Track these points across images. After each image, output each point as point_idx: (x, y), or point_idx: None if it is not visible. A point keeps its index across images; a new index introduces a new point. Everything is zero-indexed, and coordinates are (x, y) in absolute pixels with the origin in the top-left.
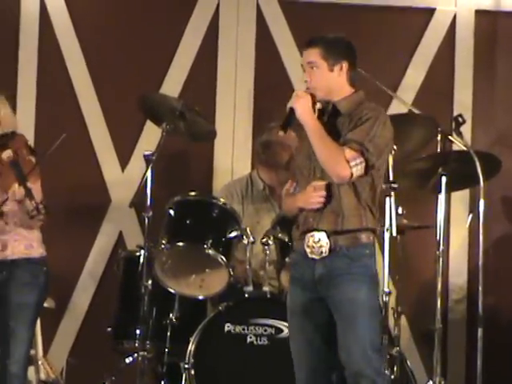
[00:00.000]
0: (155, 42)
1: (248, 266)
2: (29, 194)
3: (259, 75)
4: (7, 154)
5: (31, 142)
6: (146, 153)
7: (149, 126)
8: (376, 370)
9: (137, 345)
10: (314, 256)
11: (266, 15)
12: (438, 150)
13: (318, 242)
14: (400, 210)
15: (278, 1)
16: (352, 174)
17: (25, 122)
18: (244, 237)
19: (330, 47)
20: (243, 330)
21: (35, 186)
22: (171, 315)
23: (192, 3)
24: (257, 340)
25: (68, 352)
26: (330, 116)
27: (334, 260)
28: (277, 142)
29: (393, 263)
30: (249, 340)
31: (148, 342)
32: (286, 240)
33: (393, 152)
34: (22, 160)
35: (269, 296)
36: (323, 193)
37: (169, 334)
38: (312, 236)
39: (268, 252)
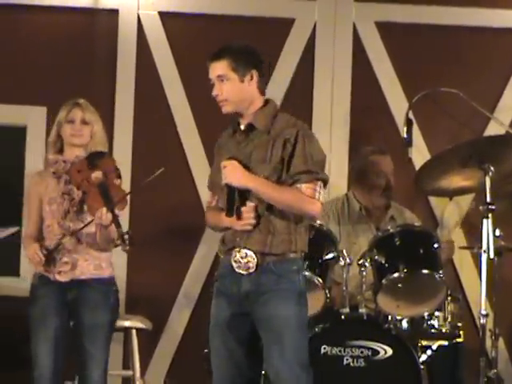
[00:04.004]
0: None
1: (344, 288)
2: (116, 221)
3: (356, 96)
4: (97, 175)
5: (128, 166)
6: None
7: None
8: None
9: None
10: (240, 271)
11: (363, 36)
12: None
13: (245, 257)
14: (497, 232)
15: (375, 22)
16: (322, 204)
17: (122, 146)
18: (341, 258)
19: (237, 57)
20: (340, 351)
21: (121, 214)
22: None
23: (289, 24)
24: (353, 362)
25: (165, 373)
26: (250, 134)
27: (261, 276)
28: (371, 170)
29: (490, 285)
30: (345, 362)
31: None
32: (383, 262)
33: (490, 174)
34: (110, 184)
35: (365, 318)
36: (254, 215)
37: None
38: (239, 251)
39: (365, 274)
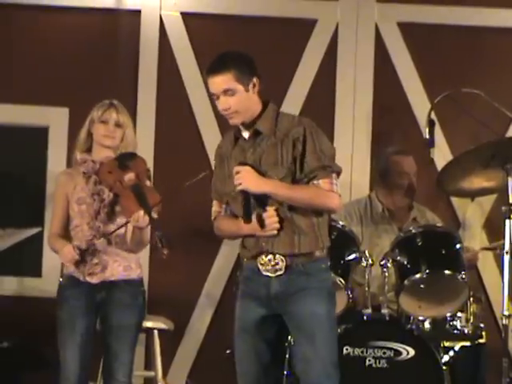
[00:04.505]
0: (273, 65)
1: (367, 289)
2: (153, 225)
3: (378, 97)
4: (130, 176)
5: (151, 165)
6: None
7: None
8: None
9: None
10: (268, 274)
11: (385, 37)
12: None
13: (273, 259)
14: None
15: (397, 22)
16: (340, 195)
17: (144, 147)
18: (363, 259)
19: (240, 68)
20: (362, 352)
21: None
22: (290, 337)
23: (311, 25)
24: (376, 363)
25: (187, 374)
26: (256, 140)
27: (291, 277)
28: (394, 171)
29: None
30: (368, 363)
31: None
32: (405, 263)
33: None
34: (144, 186)
35: (388, 319)
36: (277, 219)
37: (287, 356)
38: (266, 255)
39: (387, 275)
